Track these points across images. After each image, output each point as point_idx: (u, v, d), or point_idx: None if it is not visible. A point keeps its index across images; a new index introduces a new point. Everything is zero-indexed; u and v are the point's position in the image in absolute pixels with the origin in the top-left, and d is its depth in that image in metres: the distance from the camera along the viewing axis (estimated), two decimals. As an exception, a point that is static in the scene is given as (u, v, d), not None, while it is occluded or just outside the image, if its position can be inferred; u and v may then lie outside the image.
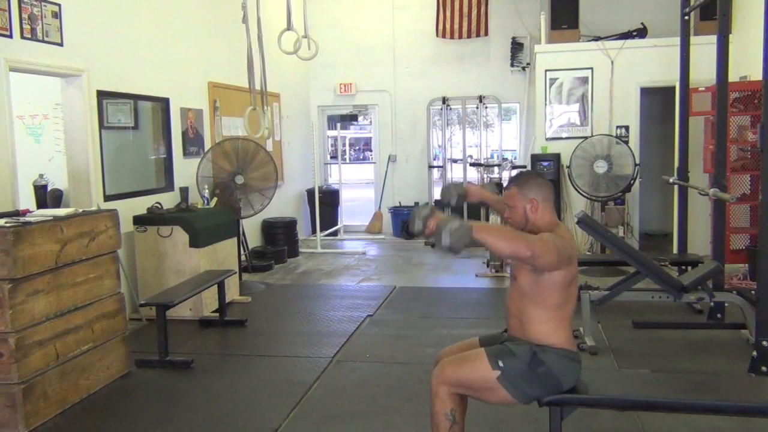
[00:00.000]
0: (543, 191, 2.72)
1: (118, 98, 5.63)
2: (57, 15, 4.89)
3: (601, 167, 7.17)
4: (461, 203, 3.21)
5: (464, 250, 2.44)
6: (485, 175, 9.49)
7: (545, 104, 8.23)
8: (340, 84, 10.25)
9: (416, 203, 10.03)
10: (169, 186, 6.35)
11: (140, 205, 5.77)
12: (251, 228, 7.89)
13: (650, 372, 4.04)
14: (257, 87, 6.16)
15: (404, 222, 9.52)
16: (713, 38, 5.05)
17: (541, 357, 2.57)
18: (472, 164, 9.61)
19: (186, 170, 6.51)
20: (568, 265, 2.56)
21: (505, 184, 9.06)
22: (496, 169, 8.95)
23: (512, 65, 9.63)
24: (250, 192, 6.53)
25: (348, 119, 17.23)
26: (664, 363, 4.36)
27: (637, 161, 7.38)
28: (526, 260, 2.45)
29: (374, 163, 10.79)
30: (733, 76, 6.07)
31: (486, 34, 9.57)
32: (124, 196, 5.66)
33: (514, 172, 9.21)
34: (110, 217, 4.24)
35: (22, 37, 4.57)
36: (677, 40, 5.97)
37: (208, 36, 7.05)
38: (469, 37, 9.62)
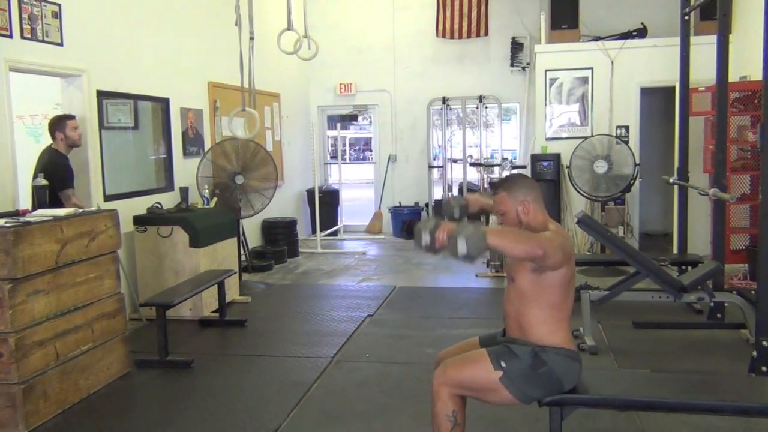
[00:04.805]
0: (532, 192, 2.70)
1: (118, 98, 5.63)
2: (57, 15, 4.89)
3: (601, 167, 7.16)
4: (464, 215, 3.09)
5: (480, 257, 2.33)
6: (485, 175, 9.49)
7: (545, 104, 8.23)
8: (340, 84, 10.25)
9: (416, 203, 10.04)
10: (169, 186, 6.35)
11: (140, 205, 5.77)
12: (251, 228, 7.89)
13: (650, 372, 4.04)
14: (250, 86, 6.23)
15: (404, 222, 9.58)
16: (713, 38, 5.04)
17: (543, 357, 2.57)
18: (472, 164, 9.60)
19: (186, 170, 6.51)
20: (568, 263, 2.56)
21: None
22: (496, 169, 8.94)
23: (512, 65, 9.63)
24: (250, 192, 6.53)
25: (348, 119, 17.22)
26: (664, 363, 4.37)
27: (637, 161, 7.38)
28: (538, 260, 2.43)
29: (374, 163, 10.78)
30: (733, 76, 6.07)
31: (486, 34, 9.57)
32: (124, 196, 5.66)
33: (514, 172, 9.27)
34: (110, 217, 4.24)
35: (22, 37, 4.57)
36: (677, 40, 5.96)
37: (208, 36, 7.05)
38: (469, 37, 9.62)
